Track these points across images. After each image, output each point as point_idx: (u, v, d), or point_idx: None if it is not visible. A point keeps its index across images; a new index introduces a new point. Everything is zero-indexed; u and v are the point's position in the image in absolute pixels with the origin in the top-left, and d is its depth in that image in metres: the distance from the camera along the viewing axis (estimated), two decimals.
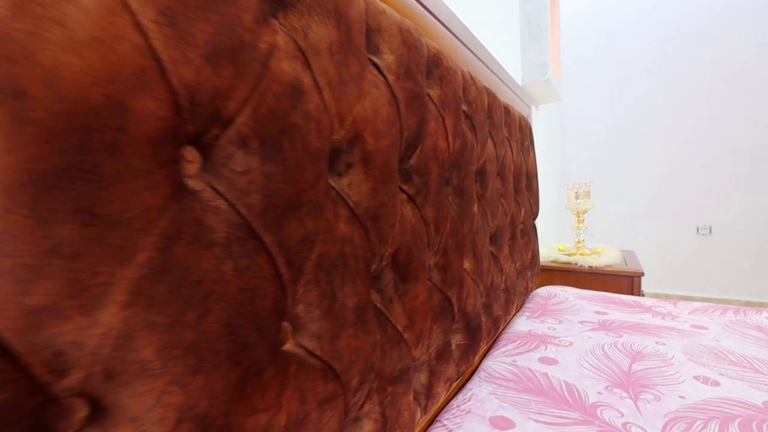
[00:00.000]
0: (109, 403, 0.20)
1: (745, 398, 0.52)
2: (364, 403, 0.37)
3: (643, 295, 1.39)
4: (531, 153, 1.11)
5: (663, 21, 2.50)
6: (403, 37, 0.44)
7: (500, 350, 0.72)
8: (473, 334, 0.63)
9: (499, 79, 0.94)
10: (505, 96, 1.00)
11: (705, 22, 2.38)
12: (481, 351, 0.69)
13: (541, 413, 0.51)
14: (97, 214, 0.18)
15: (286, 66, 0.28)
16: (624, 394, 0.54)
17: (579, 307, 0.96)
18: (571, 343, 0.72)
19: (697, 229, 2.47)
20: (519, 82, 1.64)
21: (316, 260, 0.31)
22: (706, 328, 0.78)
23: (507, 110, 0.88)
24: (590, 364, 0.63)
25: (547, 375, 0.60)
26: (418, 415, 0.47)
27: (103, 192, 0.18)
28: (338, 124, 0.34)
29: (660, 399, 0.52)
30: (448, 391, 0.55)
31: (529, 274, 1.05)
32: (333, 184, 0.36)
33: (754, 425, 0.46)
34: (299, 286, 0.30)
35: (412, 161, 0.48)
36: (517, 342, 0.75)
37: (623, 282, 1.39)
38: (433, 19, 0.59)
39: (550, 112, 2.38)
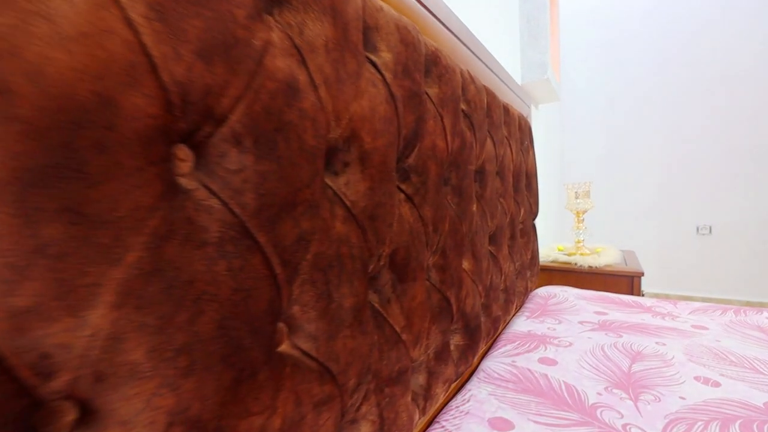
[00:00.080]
0: (98, 407, 0.19)
1: (745, 399, 0.51)
2: (361, 404, 0.37)
3: (643, 295, 1.39)
4: (530, 152, 1.11)
5: (663, 21, 2.50)
6: (401, 35, 0.44)
7: (499, 351, 0.72)
8: (472, 334, 0.62)
9: (499, 78, 0.94)
10: (505, 95, 0.99)
11: (705, 22, 2.38)
12: (481, 351, 0.69)
13: (540, 414, 0.50)
14: (85, 213, 0.18)
15: (281, 63, 0.28)
16: (624, 395, 0.53)
17: (579, 308, 0.96)
18: (570, 344, 0.72)
19: (697, 229, 2.46)
20: (518, 81, 1.64)
21: (311, 260, 0.31)
22: (706, 329, 0.78)
23: (506, 109, 0.88)
24: (590, 365, 0.63)
25: (546, 376, 0.60)
26: (417, 417, 0.47)
27: (91, 190, 0.18)
28: (335, 122, 0.34)
29: (660, 400, 0.52)
30: (446, 392, 0.55)
31: (528, 274, 1.04)
32: (329, 183, 0.35)
33: (755, 426, 0.46)
34: (295, 286, 0.29)
35: (410, 160, 0.47)
36: (517, 342, 0.75)
37: (623, 282, 1.39)
38: (432, 17, 0.59)
39: (549, 112, 2.38)
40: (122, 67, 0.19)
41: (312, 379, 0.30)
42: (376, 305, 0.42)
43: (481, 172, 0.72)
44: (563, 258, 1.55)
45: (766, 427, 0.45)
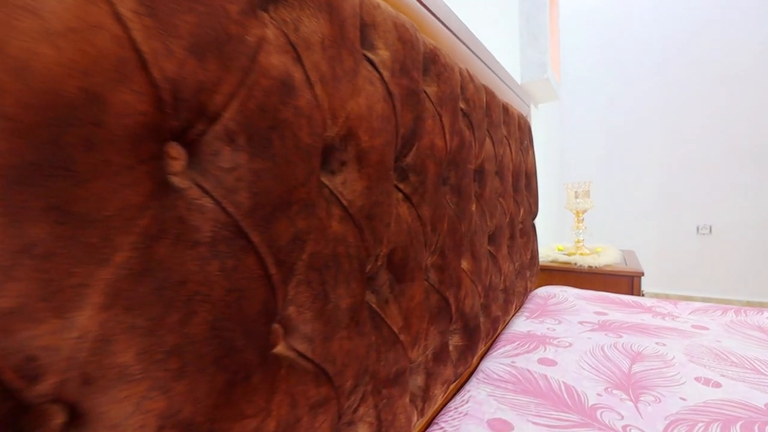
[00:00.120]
0: (86, 410, 0.19)
1: (746, 400, 0.51)
2: (358, 406, 0.36)
3: (643, 295, 1.39)
4: (530, 152, 1.11)
5: (663, 21, 2.50)
6: (399, 33, 0.43)
7: (499, 351, 0.71)
8: (471, 335, 0.62)
9: (498, 77, 0.93)
10: (504, 94, 0.99)
11: (705, 21, 2.38)
12: (480, 352, 0.68)
13: (540, 415, 0.50)
14: (72, 212, 0.17)
15: (276, 60, 0.27)
16: (624, 396, 0.53)
17: (578, 308, 0.95)
18: (570, 344, 0.71)
19: (697, 229, 2.46)
20: (518, 80, 1.63)
21: (307, 260, 0.30)
22: (706, 329, 0.77)
23: (506, 109, 0.88)
24: (590, 366, 0.62)
25: (546, 376, 0.59)
26: (415, 418, 0.46)
27: (78, 189, 0.17)
28: (331, 120, 0.33)
29: (660, 401, 0.52)
30: (445, 393, 0.54)
31: (528, 274, 1.04)
32: (326, 182, 0.35)
33: (756, 428, 0.45)
34: (290, 287, 0.29)
35: (409, 159, 0.47)
36: (516, 343, 0.74)
37: (623, 282, 1.39)
38: (430, 16, 0.58)
39: (549, 112, 2.38)
40: (111, 63, 0.19)
41: (308, 380, 0.30)
42: (374, 306, 0.41)
43: (480, 172, 0.71)
44: (563, 258, 1.54)
45: (767, 429, 0.45)
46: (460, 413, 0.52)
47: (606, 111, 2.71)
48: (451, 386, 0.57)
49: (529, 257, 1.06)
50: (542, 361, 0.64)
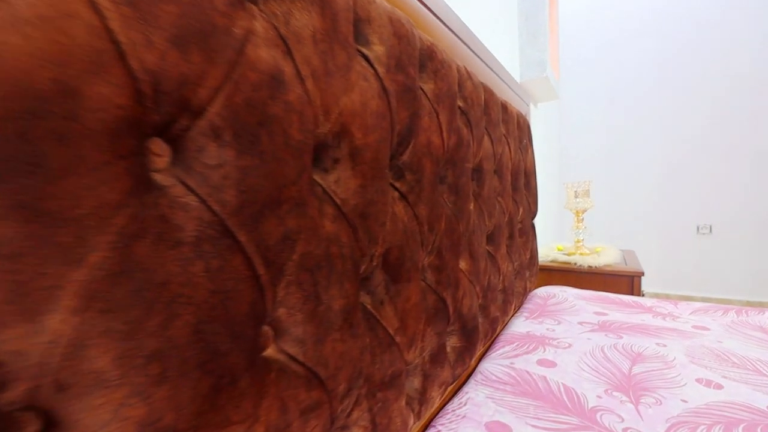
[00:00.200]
0: (62, 417, 0.18)
1: (749, 402, 0.50)
2: (352, 410, 0.35)
3: (643, 295, 1.38)
4: (529, 151, 1.10)
5: (662, 20, 2.49)
6: (394, 28, 0.42)
7: (497, 352, 0.70)
8: (469, 336, 0.61)
9: (497, 75, 0.92)
10: (503, 93, 0.98)
11: (705, 21, 2.37)
12: (478, 353, 0.67)
13: (539, 418, 0.49)
14: (43, 210, 0.16)
15: (265, 54, 0.26)
16: (624, 398, 0.52)
17: (578, 308, 0.94)
18: (570, 345, 0.70)
19: (698, 229, 2.45)
20: (517, 79, 1.62)
21: (298, 260, 0.29)
22: (707, 329, 0.76)
23: (504, 107, 0.87)
24: (590, 367, 0.61)
25: (545, 378, 0.58)
26: (411, 421, 0.45)
27: (49, 186, 0.17)
28: (323, 116, 0.32)
29: (661, 403, 0.51)
30: (443, 395, 0.53)
31: (527, 274, 1.03)
32: (319, 180, 0.34)
33: (759, 430, 0.44)
34: (280, 288, 0.28)
35: (405, 157, 0.46)
36: (515, 344, 0.73)
37: (623, 282, 1.38)
38: (427, 12, 0.58)
39: (549, 111, 2.37)
40: (86, 53, 0.18)
41: (299, 384, 0.29)
42: (369, 307, 0.40)
43: (478, 171, 0.70)
44: (563, 258, 1.53)
45: None
46: (458, 416, 0.51)
47: (606, 110, 2.70)
48: (449, 388, 0.57)
49: (528, 257, 1.05)
50: (541, 363, 0.64)
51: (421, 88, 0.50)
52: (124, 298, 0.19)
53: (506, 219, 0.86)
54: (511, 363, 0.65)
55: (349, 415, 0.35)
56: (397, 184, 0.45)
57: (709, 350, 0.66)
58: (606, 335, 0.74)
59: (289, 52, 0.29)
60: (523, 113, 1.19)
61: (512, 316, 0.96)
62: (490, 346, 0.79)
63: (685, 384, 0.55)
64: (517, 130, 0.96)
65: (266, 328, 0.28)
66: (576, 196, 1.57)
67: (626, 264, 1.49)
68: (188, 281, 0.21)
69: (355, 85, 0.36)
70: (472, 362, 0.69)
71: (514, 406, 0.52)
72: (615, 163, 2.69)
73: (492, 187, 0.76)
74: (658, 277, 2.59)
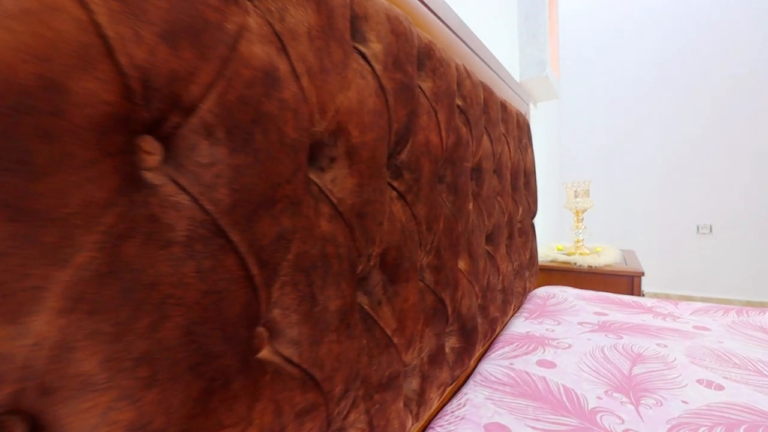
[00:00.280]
0: (48, 421, 0.18)
1: (750, 403, 0.50)
2: (348, 412, 0.35)
3: (643, 295, 1.37)
4: (529, 150, 1.09)
5: (662, 20, 2.48)
6: (392, 25, 0.42)
7: (497, 353, 0.70)
8: (468, 336, 0.60)
9: (496, 74, 0.92)
10: (503, 92, 0.97)
11: (705, 21, 2.36)
12: (477, 354, 0.67)
13: (538, 419, 0.48)
14: (27, 209, 0.16)
15: (259, 50, 0.26)
16: (624, 399, 0.52)
17: (578, 308, 0.94)
18: (570, 345, 0.70)
19: (698, 228, 2.45)
20: (517, 78, 1.62)
21: (293, 261, 0.29)
22: (708, 330, 0.76)
23: (504, 106, 0.86)
24: (589, 368, 0.61)
25: (545, 379, 0.58)
26: (409, 423, 0.45)
27: (34, 184, 0.16)
28: (319, 114, 0.32)
29: (662, 404, 0.50)
30: (441, 396, 0.53)
31: (527, 274, 1.03)
32: (315, 179, 0.34)
33: None
34: (274, 288, 0.28)
35: (403, 156, 0.45)
36: (515, 344, 0.73)
37: (623, 282, 1.37)
38: (425, 10, 0.57)
39: (549, 110, 2.36)
40: (72, 48, 0.17)
41: (294, 386, 0.29)
42: (366, 308, 0.40)
43: (477, 170, 0.70)
44: (562, 258, 1.53)
45: None
46: (457, 417, 0.51)
47: (606, 110, 2.69)
48: (448, 389, 0.56)
49: (527, 257, 1.05)
50: (541, 363, 0.63)
51: (420, 87, 0.49)
52: (112, 299, 0.18)
53: (506, 219, 0.86)
54: (511, 364, 0.64)
55: (345, 417, 0.35)
56: (395, 184, 0.45)
57: (710, 351, 0.65)
58: (606, 336, 0.74)
59: (284, 49, 0.28)
60: (523, 113, 1.19)
61: (512, 316, 0.96)
62: (489, 346, 0.78)
63: (686, 385, 0.55)
64: (516, 130, 0.95)
65: (261, 330, 0.28)
66: (576, 196, 1.56)
67: (626, 264, 1.48)
68: (179, 282, 0.21)
69: (351, 82, 0.35)
70: (471, 363, 0.68)
71: (513, 407, 0.52)
72: (615, 163, 2.69)
73: (491, 187, 0.75)
74: (658, 277, 2.58)
